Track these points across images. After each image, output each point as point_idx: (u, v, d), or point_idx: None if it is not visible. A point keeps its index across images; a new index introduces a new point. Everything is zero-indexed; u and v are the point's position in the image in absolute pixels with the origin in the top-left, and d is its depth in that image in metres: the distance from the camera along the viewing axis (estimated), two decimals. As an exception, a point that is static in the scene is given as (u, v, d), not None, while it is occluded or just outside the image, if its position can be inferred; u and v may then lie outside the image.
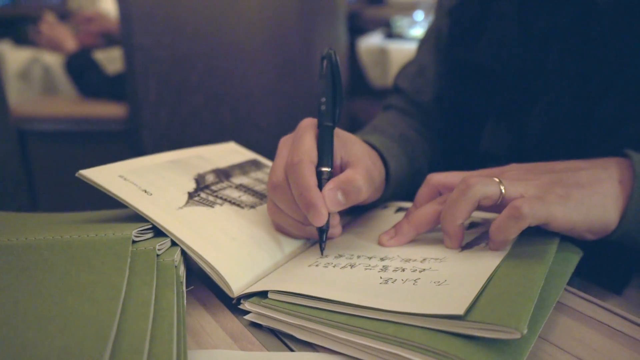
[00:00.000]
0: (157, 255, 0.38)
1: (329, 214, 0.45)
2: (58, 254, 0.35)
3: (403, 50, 1.84)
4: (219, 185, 0.53)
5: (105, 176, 0.46)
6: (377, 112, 0.78)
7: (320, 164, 0.46)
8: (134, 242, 0.38)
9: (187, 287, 0.41)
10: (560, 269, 0.44)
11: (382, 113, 0.75)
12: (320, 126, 0.48)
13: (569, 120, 0.55)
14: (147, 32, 1.42)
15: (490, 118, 0.65)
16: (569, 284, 0.45)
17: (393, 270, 0.42)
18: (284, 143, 0.50)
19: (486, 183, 0.44)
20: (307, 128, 0.48)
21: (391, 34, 1.96)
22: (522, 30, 0.57)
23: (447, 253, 0.45)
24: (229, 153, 0.62)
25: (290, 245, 0.49)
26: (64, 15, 2.38)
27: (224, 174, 0.56)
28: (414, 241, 0.49)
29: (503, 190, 0.44)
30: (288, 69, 1.54)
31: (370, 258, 0.46)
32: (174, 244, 0.42)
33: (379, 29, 2.16)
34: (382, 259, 0.45)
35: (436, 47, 0.70)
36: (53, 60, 1.80)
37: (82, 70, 1.75)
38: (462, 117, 0.68)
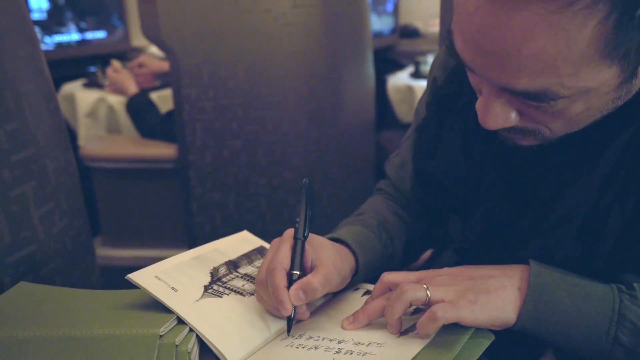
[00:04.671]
0: (176, 345, 0.56)
1: (295, 305, 0.62)
2: (98, 347, 0.54)
3: (428, 89, 1.98)
4: (228, 277, 0.71)
5: (145, 278, 0.65)
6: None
7: (291, 268, 0.64)
8: (160, 335, 0.57)
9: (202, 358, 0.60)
10: (468, 354, 0.59)
11: (373, 196, 0.92)
12: (295, 240, 0.66)
13: (498, 226, 0.71)
14: (194, 86, 1.63)
15: (450, 211, 0.81)
16: (479, 366, 0.60)
17: (344, 353, 0.60)
18: (273, 246, 0.68)
19: (416, 289, 0.60)
20: (286, 239, 0.66)
21: (418, 73, 2.11)
22: (464, 156, 0.72)
23: (388, 338, 0.62)
24: (241, 242, 0.79)
25: (278, 324, 0.66)
26: (126, 53, 2.65)
27: (233, 265, 0.74)
28: (369, 324, 0.65)
29: (429, 294, 0.60)
30: (317, 116, 1.72)
31: (331, 340, 0.63)
32: (191, 330, 0.61)
33: (407, 67, 2.30)
34: (339, 342, 0.62)
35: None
36: (117, 101, 2.05)
37: (139, 110, 1.99)
38: (430, 207, 0.84)
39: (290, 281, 0.64)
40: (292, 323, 0.64)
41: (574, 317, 0.57)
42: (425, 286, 0.60)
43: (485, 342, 0.60)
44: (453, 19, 0.53)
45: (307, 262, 0.66)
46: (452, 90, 0.74)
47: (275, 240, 0.69)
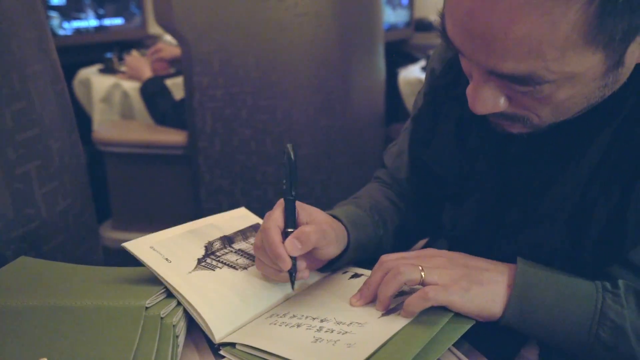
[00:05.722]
0: (161, 318, 0.59)
1: (296, 261, 0.64)
2: (86, 317, 0.57)
3: (439, 83, 1.98)
4: (222, 251, 0.73)
5: (140, 248, 0.67)
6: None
7: (286, 226, 0.65)
8: (146, 308, 0.59)
9: (189, 335, 0.62)
10: (447, 336, 0.60)
11: (370, 183, 0.93)
12: (284, 200, 0.67)
13: (489, 215, 0.71)
14: (205, 74, 1.65)
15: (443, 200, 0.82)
16: (458, 348, 0.61)
17: (325, 331, 0.61)
18: (266, 215, 0.69)
19: (411, 271, 0.61)
20: (278, 204, 0.67)
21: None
22: (458, 144, 0.73)
23: (369, 318, 0.63)
24: (238, 219, 0.81)
25: (267, 302, 0.68)
26: (142, 41, 2.68)
27: (228, 240, 0.75)
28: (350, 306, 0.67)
29: (423, 276, 0.61)
30: (326, 106, 1.73)
31: (314, 319, 0.64)
32: (178, 304, 0.62)
33: (420, 60, 2.30)
34: (321, 321, 0.64)
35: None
36: (131, 87, 2.09)
37: (153, 94, 2.02)
38: (425, 196, 0.85)
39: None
40: (294, 277, 0.65)
41: (557, 316, 0.58)
42: (420, 268, 0.61)
43: (465, 326, 0.61)
44: (444, 3, 0.54)
45: (301, 222, 0.67)
46: (448, 80, 0.75)
47: (269, 212, 0.69)
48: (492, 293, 0.60)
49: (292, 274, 0.65)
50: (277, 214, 0.67)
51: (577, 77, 0.50)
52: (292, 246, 0.64)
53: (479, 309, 0.59)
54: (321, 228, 0.66)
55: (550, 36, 0.47)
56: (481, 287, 0.60)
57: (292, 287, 0.66)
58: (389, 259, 0.67)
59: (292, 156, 0.68)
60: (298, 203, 0.68)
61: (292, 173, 0.68)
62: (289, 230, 0.66)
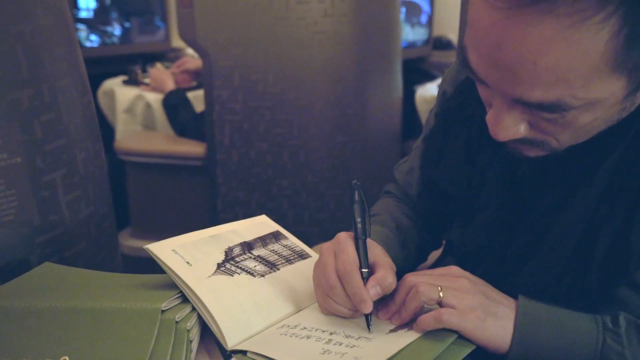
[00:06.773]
0: (176, 322, 0.61)
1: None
2: (104, 318, 0.60)
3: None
4: (241, 257, 0.75)
5: (163, 250, 0.70)
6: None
7: (361, 266, 0.65)
8: (162, 311, 0.62)
9: (202, 342, 0.64)
10: (451, 353, 0.61)
11: (382, 199, 0.95)
12: (358, 239, 0.67)
13: (496, 236, 0.73)
14: (225, 88, 1.70)
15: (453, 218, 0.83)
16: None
17: (334, 344, 0.63)
18: (328, 251, 0.67)
19: (430, 291, 0.62)
20: (347, 241, 0.67)
21: (446, 85, 2.13)
22: (467, 164, 0.75)
23: (377, 334, 0.65)
24: (258, 226, 0.83)
25: (280, 312, 0.70)
26: (165, 53, 2.75)
27: (247, 246, 0.78)
28: (359, 320, 0.69)
29: (441, 296, 0.62)
30: (342, 121, 1.76)
31: (323, 332, 0.66)
32: (193, 309, 0.65)
33: (437, 78, 2.32)
34: (331, 333, 0.66)
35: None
36: (154, 99, 2.14)
37: (175, 106, 2.07)
38: (434, 212, 0.87)
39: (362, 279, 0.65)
40: (370, 318, 0.65)
41: (559, 358, 0.59)
42: (439, 288, 0.62)
43: (466, 350, 0.62)
44: (467, 34, 0.54)
45: (369, 259, 0.68)
46: (459, 102, 0.77)
47: (327, 245, 0.69)
48: (503, 328, 0.60)
49: (369, 316, 0.65)
50: (353, 254, 0.66)
51: (600, 102, 0.51)
52: (375, 292, 0.64)
53: (488, 341, 0.60)
54: (393, 268, 0.67)
55: (578, 65, 0.47)
56: (495, 320, 0.61)
57: (369, 329, 0.65)
58: (411, 278, 0.66)
59: (363, 194, 0.69)
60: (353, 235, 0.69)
61: (366, 210, 0.69)
62: (364, 270, 0.65)
